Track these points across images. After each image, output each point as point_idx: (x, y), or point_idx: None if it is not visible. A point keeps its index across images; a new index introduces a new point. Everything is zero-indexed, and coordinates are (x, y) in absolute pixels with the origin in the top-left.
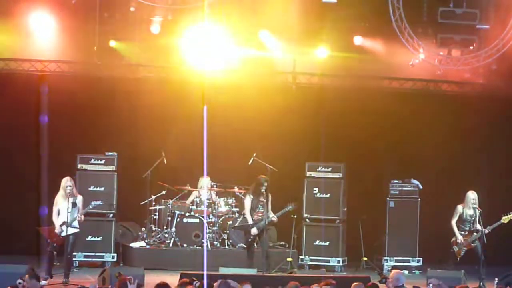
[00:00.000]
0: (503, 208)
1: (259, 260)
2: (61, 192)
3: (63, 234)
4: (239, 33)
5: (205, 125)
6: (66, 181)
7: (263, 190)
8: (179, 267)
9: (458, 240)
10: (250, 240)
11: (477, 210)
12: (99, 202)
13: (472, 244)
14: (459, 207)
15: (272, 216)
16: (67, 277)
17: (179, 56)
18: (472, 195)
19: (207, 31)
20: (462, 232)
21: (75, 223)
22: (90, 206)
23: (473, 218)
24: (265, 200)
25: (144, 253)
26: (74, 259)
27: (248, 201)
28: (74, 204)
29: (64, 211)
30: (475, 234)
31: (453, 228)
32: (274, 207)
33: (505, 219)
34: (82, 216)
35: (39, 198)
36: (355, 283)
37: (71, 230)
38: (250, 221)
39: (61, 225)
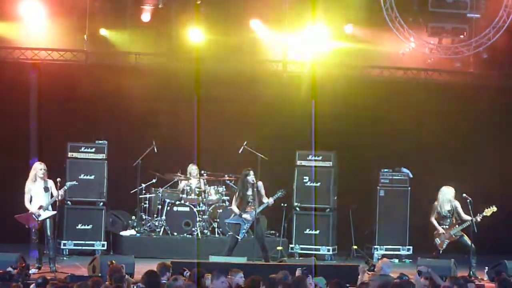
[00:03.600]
0: (493, 197)
1: (249, 249)
2: (31, 177)
3: (41, 218)
4: (231, 21)
5: (196, 114)
6: (39, 165)
7: (251, 181)
8: (170, 255)
9: (440, 232)
10: (243, 232)
11: (453, 203)
12: (74, 182)
13: (454, 236)
14: (435, 205)
15: (267, 201)
16: (54, 262)
17: (170, 44)
18: (446, 190)
19: (197, 20)
20: (445, 227)
21: (50, 207)
22: (65, 187)
23: (451, 213)
24: (254, 193)
25: (134, 242)
26: (63, 247)
27: (236, 197)
28: (46, 189)
29: (36, 196)
30: (457, 226)
31: (433, 223)
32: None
33: (487, 212)
34: (62, 194)
35: None
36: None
37: (47, 214)
38: (237, 211)
39: (38, 209)
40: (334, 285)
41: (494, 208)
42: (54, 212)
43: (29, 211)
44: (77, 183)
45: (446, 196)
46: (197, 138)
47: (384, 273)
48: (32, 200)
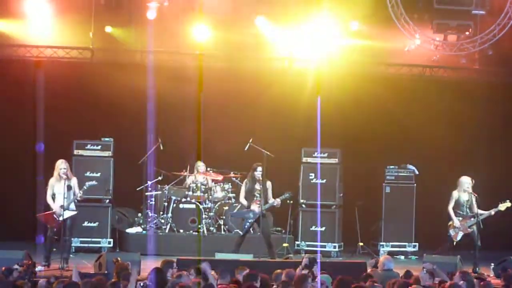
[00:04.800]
0: (499, 194)
1: (255, 246)
2: (55, 175)
3: (61, 218)
4: (237, 18)
5: (201, 111)
6: (60, 163)
7: (258, 176)
8: (175, 252)
9: (454, 224)
10: (246, 226)
11: (472, 195)
12: (93, 183)
13: (469, 229)
14: (455, 193)
15: (273, 201)
16: (66, 262)
17: (175, 41)
18: (465, 180)
19: (202, 16)
20: (459, 218)
21: (72, 206)
22: (85, 187)
23: (468, 203)
24: (261, 188)
25: (140, 239)
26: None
27: (243, 187)
28: (69, 187)
29: (59, 194)
30: (472, 219)
31: (450, 213)
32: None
33: (502, 206)
34: (81, 194)
35: (36, 184)
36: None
37: (68, 214)
38: (245, 202)
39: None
40: (339, 282)
41: (509, 204)
42: (76, 212)
43: (51, 211)
44: (96, 183)
45: (465, 186)
46: (202, 136)
47: (387, 268)
48: (55, 198)
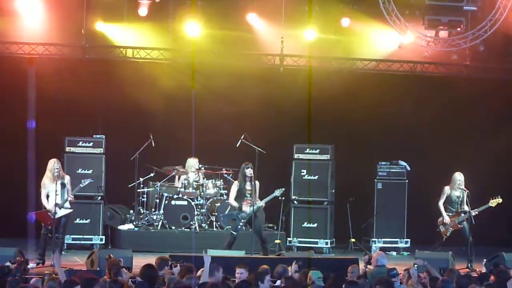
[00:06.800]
0: (489, 190)
1: (247, 242)
2: (48, 175)
3: (57, 216)
4: (227, 15)
5: (193, 108)
6: (53, 163)
7: (248, 175)
8: (167, 249)
9: (444, 220)
10: (239, 226)
11: (464, 191)
12: (89, 180)
13: (459, 225)
14: (446, 188)
15: (260, 203)
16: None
17: (167, 38)
18: (458, 176)
19: (193, 14)
20: (450, 214)
21: (67, 204)
22: (81, 185)
23: (460, 199)
24: (251, 188)
25: (132, 236)
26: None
27: (234, 188)
28: (63, 185)
29: (53, 193)
30: (462, 215)
31: (440, 208)
32: (263, 189)
33: (493, 203)
34: (73, 196)
35: (27, 181)
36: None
37: (63, 212)
38: (236, 204)
39: (54, 206)
40: (333, 279)
41: (500, 199)
42: (71, 210)
43: (46, 209)
44: (92, 180)
45: (457, 183)
46: (194, 132)
47: (381, 264)
48: (49, 197)
